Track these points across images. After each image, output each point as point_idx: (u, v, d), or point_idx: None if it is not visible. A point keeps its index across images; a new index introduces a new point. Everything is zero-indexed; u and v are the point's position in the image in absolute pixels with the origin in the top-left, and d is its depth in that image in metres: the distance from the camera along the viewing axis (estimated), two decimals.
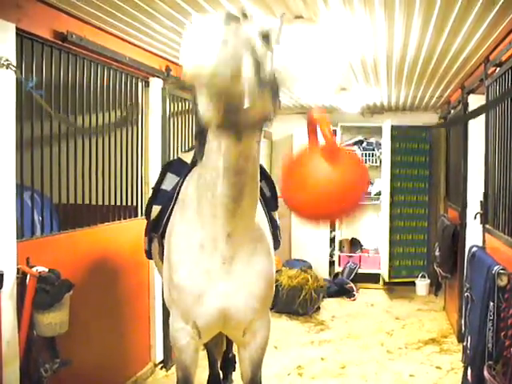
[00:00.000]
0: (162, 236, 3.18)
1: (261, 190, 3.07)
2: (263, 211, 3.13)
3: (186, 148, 5.77)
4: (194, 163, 3.09)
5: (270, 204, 3.37)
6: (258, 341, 3.06)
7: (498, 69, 4.48)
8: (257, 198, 2.79)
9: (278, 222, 3.58)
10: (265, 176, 3.36)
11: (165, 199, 3.28)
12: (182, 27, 4.28)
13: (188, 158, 3.31)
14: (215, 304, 2.81)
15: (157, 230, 3.30)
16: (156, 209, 3.40)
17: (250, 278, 2.84)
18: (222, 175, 2.54)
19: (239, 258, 2.80)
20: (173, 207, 3.11)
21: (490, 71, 4.86)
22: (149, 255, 3.69)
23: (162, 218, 3.22)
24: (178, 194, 3.12)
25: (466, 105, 6.05)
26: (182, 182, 3.13)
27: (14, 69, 3.17)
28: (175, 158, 3.82)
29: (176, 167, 3.47)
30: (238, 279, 2.81)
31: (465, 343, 4.50)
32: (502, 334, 3.50)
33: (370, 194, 9.67)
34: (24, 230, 3.55)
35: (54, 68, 3.84)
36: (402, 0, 3.65)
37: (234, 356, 4.48)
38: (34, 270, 3.30)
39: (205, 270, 2.79)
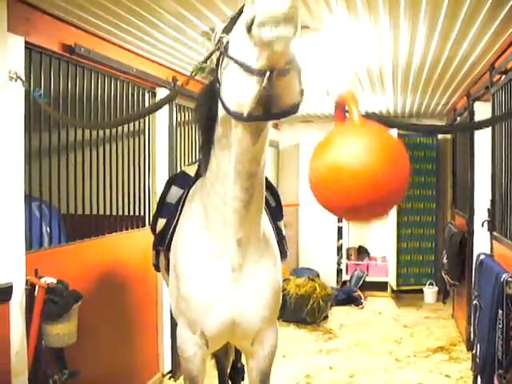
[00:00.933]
0: (168, 249, 3.18)
1: (266, 199, 3.09)
2: (269, 221, 3.13)
3: (194, 157, 5.80)
4: (197, 176, 3.10)
5: (275, 214, 3.37)
6: (266, 350, 3.05)
7: (504, 76, 4.49)
8: (263, 203, 2.79)
9: (284, 232, 3.58)
10: (269, 186, 3.36)
11: (170, 212, 3.29)
12: (188, 38, 4.32)
13: (192, 170, 3.32)
14: (223, 314, 2.81)
15: (162, 243, 3.31)
16: (161, 222, 3.40)
17: (257, 286, 2.84)
18: (235, 180, 2.55)
19: (247, 266, 2.79)
20: (178, 220, 3.12)
21: (495, 79, 4.87)
22: (157, 268, 3.70)
23: (167, 230, 3.22)
24: (182, 206, 3.14)
25: (471, 112, 6.05)
26: (186, 195, 3.14)
27: (22, 80, 3.20)
28: (179, 170, 3.83)
29: (180, 180, 3.48)
30: (246, 288, 2.81)
31: (474, 351, 4.48)
32: None
33: None
34: (32, 241, 3.57)
35: (62, 80, 3.87)
36: (407, 8, 3.66)
37: (243, 365, 4.47)
38: (42, 281, 3.31)
39: (213, 280, 2.79)
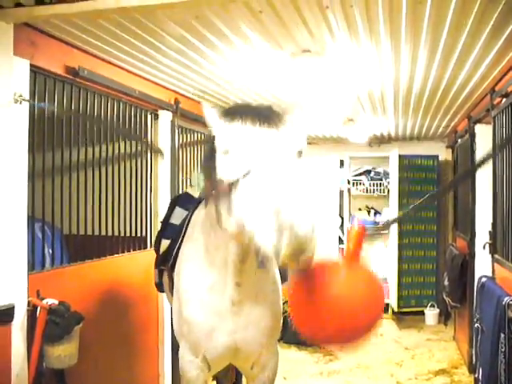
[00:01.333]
0: (172, 269, 3.20)
1: None
2: None
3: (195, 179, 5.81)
4: (200, 199, 3.14)
5: None
6: (266, 373, 3.07)
7: (504, 99, 4.52)
8: None
9: None
10: None
11: (174, 233, 3.32)
12: (190, 60, 4.36)
13: (195, 192, 3.36)
14: (225, 339, 2.84)
15: (166, 263, 3.32)
16: (165, 242, 3.42)
17: (258, 315, 2.88)
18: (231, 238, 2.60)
19: (247, 301, 2.83)
20: (181, 241, 3.15)
21: (496, 102, 4.90)
22: (160, 288, 3.71)
23: (171, 251, 3.25)
24: (186, 228, 3.16)
25: (472, 135, 6.08)
26: (191, 217, 3.17)
27: (27, 100, 3.24)
28: (183, 191, 3.86)
29: (184, 201, 3.51)
30: (246, 318, 2.84)
31: (476, 375, 4.46)
32: None
33: (378, 223, 9.70)
34: (34, 262, 3.57)
35: (65, 102, 3.90)
36: (408, 32, 3.71)
37: None
38: (44, 302, 3.31)
39: (214, 309, 2.82)
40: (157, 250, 3.62)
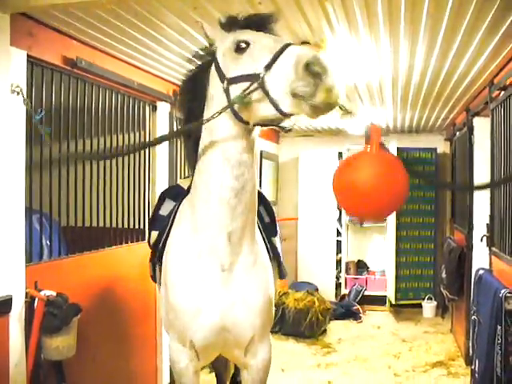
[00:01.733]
0: (161, 260, 3.17)
1: (259, 215, 3.09)
2: (261, 236, 3.12)
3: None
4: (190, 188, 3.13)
5: (269, 230, 3.33)
6: (259, 363, 3.01)
7: (503, 92, 4.52)
8: (255, 197, 2.81)
9: (280, 249, 3.54)
10: (263, 202, 3.36)
11: (162, 224, 3.29)
12: (188, 52, 4.34)
13: (186, 183, 3.33)
14: (212, 319, 2.77)
15: (155, 254, 3.31)
16: (154, 234, 3.39)
17: (248, 292, 2.81)
18: (223, 169, 2.62)
19: (238, 269, 2.77)
20: (169, 231, 3.12)
21: (494, 94, 4.90)
22: (155, 280, 3.70)
23: (159, 242, 3.22)
24: (173, 217, 3.14)
25: (471, 127, 6.07)
26: (178, 206, 3.15)
27: (24, 98, 3.23)
28: (174, 184, 3.85)
29: (174, 193, 3.48)
30: (237, 292, 2.78)
31: (473, 367, 4.48)
32: (511, 358, 3.49)
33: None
34: (32, 254, 3.57)
35: (63, 93, 3.89)
36: (407, 25, 3.71)
37: None
38: (42, 293, 3.31)
39: (202, 283, 2.76)
40: (149, 242, 3.60)
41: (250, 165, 2.67)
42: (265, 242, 3.14)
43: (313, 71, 2.16)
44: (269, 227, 3.34)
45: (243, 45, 2.46)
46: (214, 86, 2.66)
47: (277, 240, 3.43)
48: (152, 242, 3.42)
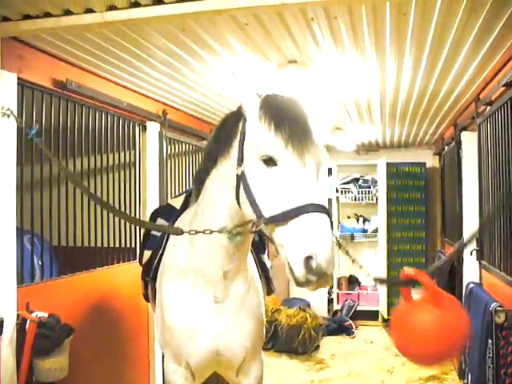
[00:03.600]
0: (154, 279, 3.19)
1: None
2: (251, 254, 3.15)
3: (184, 189, 5.82)
4: (183, 207, 3.14)
5: (257, 247, 3.37)
6: (251, 381, 3.05)
7: (489, 107, 4.58)
8: (250, 243, 2.85)
9: (268, 265, 3.58)
10: None
11: (155, 244, 3.31)
12: (177, 72, 4.39)
13: (177, 203, 3.34)
14: (207, 343, 2.82)
15: (148, 274, 3.32)
16: (147, 254, 3.41)
17: (241, 317, 2.87)
18: (228, 222, 2.61)
19: (231, 298, 2.83)
20: (163, 251, 3.15)
21: (480, 109, 4.96)
22: (147, 298, 3.71)
23: (153, 262, 3.23)
24: (167, 238, 3.16)
25: (459, 142, 6.13)
26: None
27: (15, 117, 3.24)
28: (165, 203, 3.86)
29: (165, 212, 3.49)
30: (229, 319, 2.83)
31: (465, 381, 4.49)
32: (502, 371, 3.50)
33: (366, 231, 9.77)
34: (24, 275, 3.57)
35: (53, 114, 3.91)
36: (393, 43, 3.76)
37: None
38: (33, 315, 3.30)
39: (197, 310, 2.81)
40: (140, 261, 3.61)
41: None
42: (255, 260, 3.19)
43: (311, 269, 2.05)
44: (257, 245, 3.38)
45: (267, 158, 2.24)
46: (234, 154, 2.50)
47: (265, 257, 3.47)
48: (145, 260, 3.43)
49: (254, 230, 2.28)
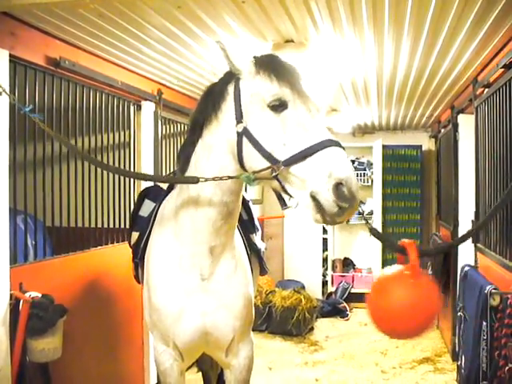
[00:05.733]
0: (143, 260, 3.18)
1: None
2: (239, 234, 3.14)
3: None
4: (170, 188, 3.11)
5: (247, 227, 3.38)
6: (241, 362, 3.04)
7: (487, 90, 4.55)
8: (238, 216, 2.85)
9: (260, 245, 3.56)
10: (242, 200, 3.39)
11: (142, 225, 3.29)
12: (172, 51, 4.34)
13: (165, 184, 3.32)
14: (194, 323, 2.81)
15: (137, 255, 3.31)
16: (135, 235, 3.39)
17: (228, 296, 2.86)
18: (216, 193, 2.63)
19: (218, 276, 2.82)
20: (150, 232, 3.13)
21: (478, 92, 4.93)
22: (138, 280, 3.69)
23: (140, 243, 3.23)
24: (154, 218, 3.14)
25: (455, 124, 6.11)
26: (158, 207, 3.15)
27: (8, 94, 3.19)
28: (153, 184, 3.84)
29: (153, 193, 3.47)
30: (217, 297, 2.82)
31: (459, 363, 4.50)
32: (496, 353, 3.50)
33: (362, 213, 9.76)
34: (17, 255, 3.54)
35: (46, 93, 3.86)
36: (391, 23, 3.72)
37: None
38: (27, 295, 3.28)
39: (183, 289, 2.80)
40: (129, 243, 3.60)
41: (239, 192, 2.72)
42: (243, 239, 3.18)
43: (342, 194, 2.13)
44: (247, 224, 3.38)
45: (278, 103, 2.34)
46: (225, 116, 2.55)
47: (255, 237, 3.48)
48: (133, 242, 3.42)
49: (274, 174, 2.31)
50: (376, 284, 2.83)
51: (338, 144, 2.26)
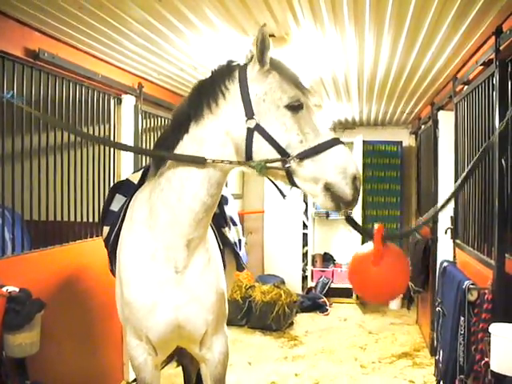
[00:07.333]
0: (114, 255, 3.16)
1: None
2: (211, 228, 3.12)
3: None
4: (141, 182, 3.10)
5: (218, 219, 3.35)
6: (216, 356, 3.05)
7: (466, 87, 4.58)
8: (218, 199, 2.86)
9: (235, 240, 3.57)
10: None
11: (113, 219, 3.27)
12: (153, 45, 4.31)
13: (136, 178, 3.30)
14: (166, 316, 2.80)
15: (108, 249, 3.30)
16: (106, 229, 3.38)
17: (200, 289, 2.85)
18: (204, 185, 2.63)
19: (191, 269, 2.81)
20: (120, 226, 3.11)
21: (458, 89, 4.97)
22: (114, 274, 3.68)
23: (109, 237, 3.22)
24: (125, 213, 3.12)
25: (435, 121, 6.15)
26: (129, 202, 3.13)
27: None
28: (125, 178, 3.82)
29: (124, 188, 3.45)
30: (189, 290, 2.81)
31: (437, 357, 4.54)
32: (473, 348, 3.54)
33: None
34: None
35: (25, 85, 3.82)
36: (372, 20, 3.73)
37: None
38: (3, 289, 3.24)
39: (156, 281, 2.78)
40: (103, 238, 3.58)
41: (223, 185, 2.77)
42: (215, 233, 3.19)
43: (357, 187, 2.43)
44: (218, 217, 3.35)
45: (297, 104, 2.49)
46: (225, 111, 2.57)
47: (228, 231, 3.48)
48: (104, 236, 3.40)
49: (287, 166, 2.45)
50: (351, 261, 3.43)
51: (343, 142, 2.53)
